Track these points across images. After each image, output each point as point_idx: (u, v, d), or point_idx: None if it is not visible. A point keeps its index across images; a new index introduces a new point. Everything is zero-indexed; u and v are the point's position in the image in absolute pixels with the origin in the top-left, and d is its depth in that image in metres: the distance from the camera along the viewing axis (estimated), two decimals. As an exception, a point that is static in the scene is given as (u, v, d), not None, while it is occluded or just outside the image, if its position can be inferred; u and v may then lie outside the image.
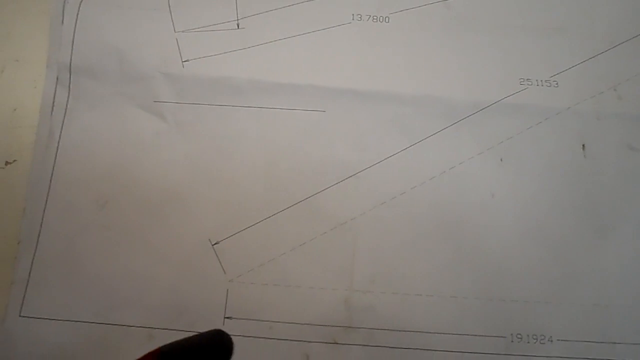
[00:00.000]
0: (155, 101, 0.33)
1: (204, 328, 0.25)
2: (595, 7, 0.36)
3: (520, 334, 0.30)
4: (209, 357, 0.21)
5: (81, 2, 0.35)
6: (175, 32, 0.34)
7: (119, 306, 0.30)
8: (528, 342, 0.30)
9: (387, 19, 0.35)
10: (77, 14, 0.35)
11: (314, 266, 0.31)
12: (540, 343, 0.30)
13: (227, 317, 0.30)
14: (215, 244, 0.31)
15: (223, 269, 0.31)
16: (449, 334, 0.30)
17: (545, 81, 0.34)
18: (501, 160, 0.33)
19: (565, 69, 0.35)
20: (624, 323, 0.30)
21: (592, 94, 0.34)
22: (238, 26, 0.35)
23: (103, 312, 0.30)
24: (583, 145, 0.33)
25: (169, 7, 0.35)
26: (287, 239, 0.31)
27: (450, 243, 0.32)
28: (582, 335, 0.30)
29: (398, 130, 0.33)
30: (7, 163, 0.33)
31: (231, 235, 0.31)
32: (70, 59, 0.34)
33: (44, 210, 0.32)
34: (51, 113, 0.33)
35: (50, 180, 0.32)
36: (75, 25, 0.34)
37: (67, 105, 0.33)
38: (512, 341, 0.30)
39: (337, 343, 0.30)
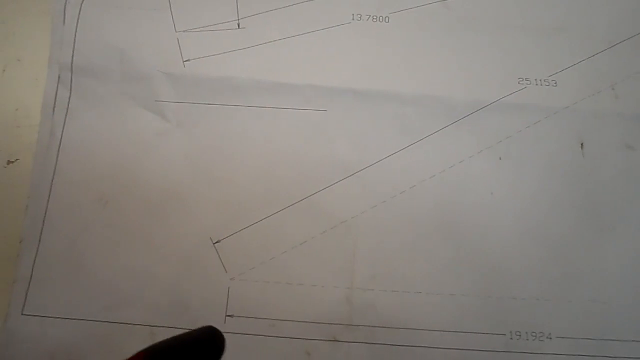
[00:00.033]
0: (156, 100, 0.34)
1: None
2: (593, 7, 0.36)
3: (519, 332, 0.30)
4: (200, 355, 0.20)
5: (82, 2, 0.35)
6: (176, 32, 0.35)
7: (121, 304, 0.30)
8: (527, 340, 0.30)
9: (387, 18, 0.35)
10: (79, 14, 0.35)
11: (314, 264, 0.31)
12: (540, 340, 0.30)
13: (229, 315, 0.30)
14: (217, 242, 0.31)
15: (224, 267, 0.31)
16: (449, 331, 0.30)
17: (544, 80, 0.34)
18: (500, 159, 0.33)
19: (564, 68, 0.35)
20: (623, 321, 0.31)
21: (590, 93, 0.34)
22: (238, 26, 0.35)
23: (105, 310, 0.30)
24: (581, 144, 0.34)
25: (170, 7, 0.35)
26: (288, 237, 0.31)
27: (450, 241, 0.32)
28: (581, 333, 0.30)
29: (398, 129, 0.33)
30: (9, 162, 0.33)
31: (232, 234, 0.32)
32: (72, 59, 0.34)
33: (46, 209, 0.32)
34: (53, 112, 0.33)
35: (52, 179, 0.32)
36: (77, 25, 0.35)
37: (68, 105, 0.34)
38: (511, 338, 0.30)
39: (338, 340, 0.30)
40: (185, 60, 0.34)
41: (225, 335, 0.30)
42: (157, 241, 0.31)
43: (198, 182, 0.32)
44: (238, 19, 0.35)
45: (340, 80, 0.34)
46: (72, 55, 0.34)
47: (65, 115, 0.33)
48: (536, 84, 0.34)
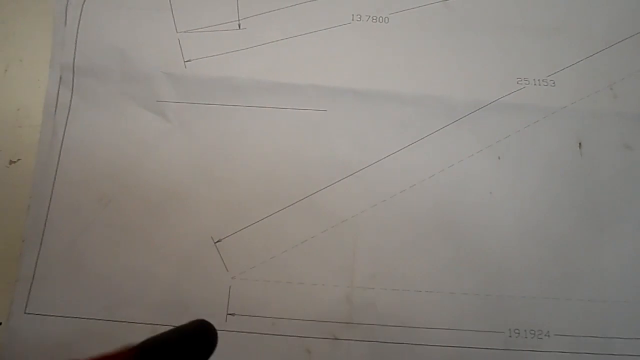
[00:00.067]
0: (157, 101, 0.34)
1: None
2: (591, 8, 0.36)
3: (518, 330, 0.31)
4: (191, 349, 0.20)
5: (84, 3, 0.35)
6: (177, 32, 0.35)
7: (123, 303, 0.31)
8: (526, 338, 0.30)
9: (386, 19, 0.36)
10: (80, 15, 0.35)
11: (315, 263, 0.31)
12: (538, 338, 0.30)
13: (230, 314, 0.30)
14: (218, 241, 0.32)
15: (225, 267, 0.31)
16: (448, 329, 0.30)
17: (542, 80, 0.35)
18: (499, 158, 0.33)
19: (562, 68, 0.35)
20: (622, 319, 0.31)
21: (589, 93, 0.35)
22: (239, 27, 0.35)
23: (107, 309, 0.30)
24: (580, 144, 0.34)
25: (171, 8, 0.35)
26: (288, 236, 0.32)
27: (450, 240, 0.32)
28: (579, 331, 0.31)
29: (398, 129, 0.34)
30: (11, 162, 0.33)
31: (233, 233, 0.32)
32: (74, 59, 0.34)
33: (48, 209, 0.32)
34: (54, 113, 0.34)
35: (54, 179, 0.32)
36: (78, 25, 0.35)
37: (70, 105, 0.34)
38: (510, 336, 0.30)
39: (338, 339, 0.30)
40: (187, 61, 0.34)
41: (226, 333, 0.31)
42: (159, 240, 0.32)
43: (199, 182, 0.33)
44: (239, 20, 0.35)
45: (341, 80, 0.34)
46: (74, 55, 0.34)
47: (67, 116, 0.34)
48: (535, 84, 0.35)
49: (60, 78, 0.34)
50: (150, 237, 0.32)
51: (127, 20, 0.35)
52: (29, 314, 0.30)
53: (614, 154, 0.34)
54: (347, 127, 0.34)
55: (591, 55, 0.35)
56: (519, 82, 0.35)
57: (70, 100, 0.34)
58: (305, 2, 0.36)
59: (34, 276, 0.31)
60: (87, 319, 0.30)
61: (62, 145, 0.33)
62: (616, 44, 0.36)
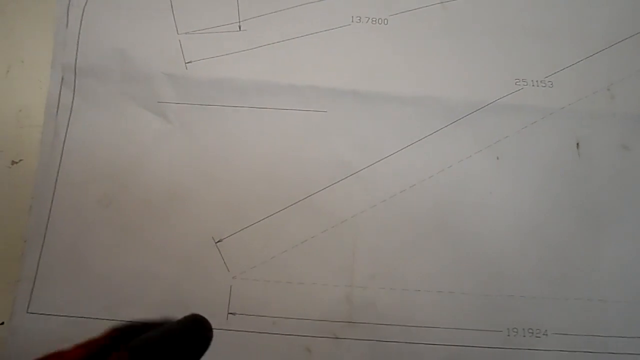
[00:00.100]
0: (158, 102, 0.34)
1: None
2: (589, 9, 0.37)
3: (516, 328, 0.31)
4: (186, 346, 0.20)
5: (85, 4, 0.35)
6: (178, 34, 0.35)
7: (124, 303, 0.31)
8: (524, 336, 0.31)
9: (385, 20, 0.36)
10: (82, 16, 0.35)
11: (315, 263, 0.32)
12: (536, 337, 0.31)
13: (231, 313, 0.31)
14: (219, 241, 0.32)
15: (226, 266, 0.32)
16: (448, 328, 0.31)
17: (540, 81, 0.35)
18: (498, 159, 0.34)
19: (560, 69, 0.35)
20: (619, 318, 0.31)
21: (587, 94, 0.35)
22: (240, 28, 0.35)
23: (108, 309, 0.31)
24: (577, 144, 0.34)
25: (172, 9, 0.35)
26: (289, 236, 0.32)
27: (449, 240, 0.32)
28: (577, 329, 0.31)
29: (397, 129, 0.34)
30: (13, 162, 0.33)
31: (234, 233, 0.32)
32: (75, 60, 0.34)
33: (50, 209, 0.32)
34: (56, 113, 0.34)
35: (56, 180, 0.33)
36: (80, 27, 0.35)
37: (72, 106, 0.34)
38: (508, 335, 0.31)
39: (338, 338, 0.31)
40: (187, 62, 0.34)
41: (227, 332, 0.31)
42: (160, 241, 0.32)
43: (200, 183, 0.33)
44: (239, 21, 0.35)
45: (341, 81, 0.34)
46: (76, 56, 0.34)
47: (69, 117, 0.34)
48: (533, 85, 0.35)
49: (62, 79, 0.34)
50: (152, 237, 0.32)
51: (128, 21, 0.35)
52: (31, 313, 0.31)
53: (612, 154, 0.34)
54: (347, 127, 0.34)
55: (589, 57, 0.36)
56: (518, 83, 0.35)
57: (72, 101, 0.34)
58: (306, 4, 0.36)
59: (36, 276, 0.31)
60: (89, 318, 0.31)
61: (64, 145, 0.33)
62: (614, 45, 0.36)
